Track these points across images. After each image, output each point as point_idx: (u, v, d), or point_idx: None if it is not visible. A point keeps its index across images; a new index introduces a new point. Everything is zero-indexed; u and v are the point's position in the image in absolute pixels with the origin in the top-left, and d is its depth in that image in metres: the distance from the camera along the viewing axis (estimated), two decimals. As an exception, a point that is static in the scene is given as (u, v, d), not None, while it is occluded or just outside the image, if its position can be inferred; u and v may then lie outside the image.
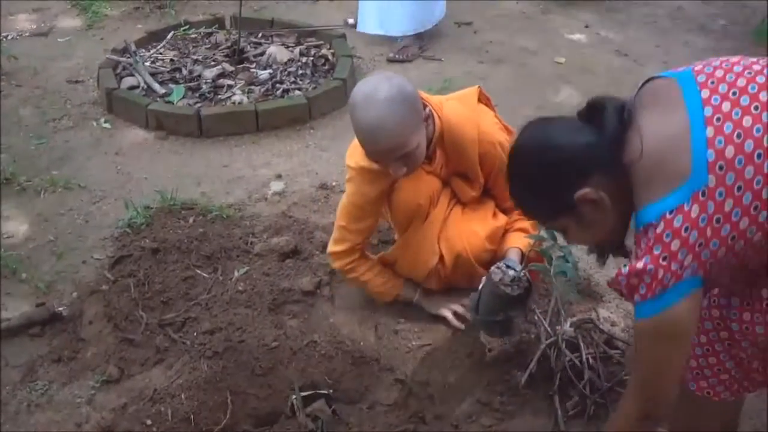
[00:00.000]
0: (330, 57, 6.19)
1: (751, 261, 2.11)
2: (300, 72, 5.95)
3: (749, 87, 2.03)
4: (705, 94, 2.04)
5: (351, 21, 6.75)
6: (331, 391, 3.46)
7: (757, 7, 7.24)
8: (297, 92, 5.66)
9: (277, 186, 4.71)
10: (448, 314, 3.44)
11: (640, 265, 2.02)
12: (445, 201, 3.37)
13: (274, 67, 5.95)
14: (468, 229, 3.37)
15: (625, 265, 2.07)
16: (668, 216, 1.97)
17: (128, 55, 5.94)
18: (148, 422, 3.21)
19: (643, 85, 2.21)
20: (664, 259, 1.98)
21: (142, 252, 3.91)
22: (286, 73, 5.91)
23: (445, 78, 5.97)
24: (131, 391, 3.35)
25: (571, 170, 2.11)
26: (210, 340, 3.44)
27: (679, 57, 6.34)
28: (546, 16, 7.41)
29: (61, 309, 3.72)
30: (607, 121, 2.11)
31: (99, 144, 5.17)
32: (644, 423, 2.31)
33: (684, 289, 2.03)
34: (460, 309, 3.44)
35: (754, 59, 2.13)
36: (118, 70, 5.83)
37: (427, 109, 3.07)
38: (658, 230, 1.98)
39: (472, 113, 3.24)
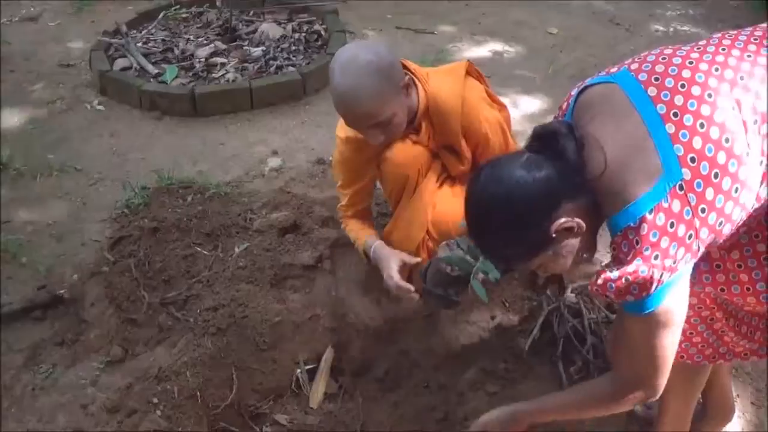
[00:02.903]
0: (323, 32, 6.18)
1: (731, 236, 2.13)
2: (293, 48, 5.94)
3: (696, 77, 2.03)
4: (652, 92, 2.03)
5: None
6: (336, 364, 3.48)
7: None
8: (290, 68, 5.65)
9: (274, 162, 4.70)
10: (391, 285, 3.26)
11: (631, 269, 1.98)
12: (435, 174, 3.35)
13: (267, 44, 5.93)
14: (458, 204, 3.36)
15: (612, 270, 2.02)
16: (648, 216, 1.95)
17: (120, 37, 5.91)
18: (155, 401, 3.20)
19: (579, 94, 2.19)
20: (656, 258, 1.96)
21: (141, 232, 3.90)
22: (279, 49, 5.89)
23: (439, 49, 5.96)
24: (136, 370, 3.34)
25: (540, 208, 2.06)
26: (213, 317, 3.45)
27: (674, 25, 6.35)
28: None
29: (62, 292, 3.70)
30: (565, 146, 2.07)
31: (93, 126, 5.15)
32: (637, 401, 2.33)
33: (678, 278, 2.04)
34: (404, 284, 3.25)
35: (688, 47, 2.14)
36: (110, 52, 5.81)
37: (407, 78, 3.05)
38: (642, 231, 1.96)
39: (457, 86, 3.21)
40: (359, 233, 3.45)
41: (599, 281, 2.04)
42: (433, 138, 3.27)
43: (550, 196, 2.04)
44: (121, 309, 3.57)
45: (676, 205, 1.93)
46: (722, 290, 2.25)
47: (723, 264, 2.23)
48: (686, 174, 1.93)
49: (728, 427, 2.97)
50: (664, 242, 1.94)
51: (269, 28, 6.09)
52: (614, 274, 2.00)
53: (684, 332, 2.37)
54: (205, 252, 3.80)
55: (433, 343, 3.46)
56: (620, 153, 2.00)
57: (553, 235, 2.06)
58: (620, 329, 2.28)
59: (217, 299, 3.53)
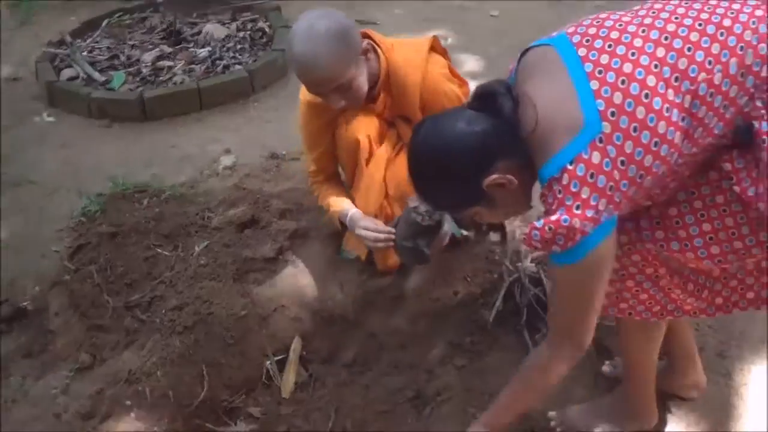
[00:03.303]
0: (267, 29, 6.20)
1: (654, 192, 2.20)
2: (239, 47, 5.95)
3: (623, 37, 2.11)
4: (582, 52, 2.11)
5: None
6: (304, 353, 3.50)
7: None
8: (237, 67, 5.67)
9: (227, 160, 4.71)
10: (367, 234, 3.35)
11: (554, 218, 2.06)
12: (390, 143, 3.41)
13: (213, 44, 5.94)
14: None
15: (539, 220, 2.10)
16: (569, 167, 2.03)
17: (65, 47, 5.90)
18: (128, 403, 3.22)
19: (521, 57, 2.28)
20: (578, 207, 2.03)
21: (100, 238, 3.89)
22: (224, 49, 5.90)
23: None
24: (106, 375, 3.35)
25: (476, 160, 2.17)
26: (179, 316, 3.46)
27: (615, 2, 6.40)
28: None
29: (25, 304, 3.72)
30: (502, 104, 2.17)
31: (45, 138, 5.14)
32: (577, 357, 2.39)
33: (603, 232, 2.10)
34: (382, 227, 3.33)
35: (623, 12, 2.21)
36: (56, 63, 5.79)
37: (365, 43, 3.10)
38: (564, 182, 2.04)
39: (420, 59, 3.27)
40: (333, 201, 3.50)
41: (526, 230, 2.13)
42: (389, 108, 3.33)
43: (486, 152, 2.16)
44: (86, 316, 3.58)
45: (596, 157, 2.01)
46: (662, 246, 2.31)
47: (662, 221, 2.30)
48: (606, 127, 2.01)
49: (697, 379, 3.04)
50: (585, 192, 2.02)
51: (213, 29, 6.10)
52: (539, 223, 2.09)
53: (630, 289, 2.47)
54: (166, 253, 3.81)
55: (398, 323, 3.51)
56: (549, 110, 2.08)
57: (486, 190, 2.16)
58: (551, 285, 2.37)
59: (181, 298, 3.54)
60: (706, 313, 2.52)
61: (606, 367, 3.17)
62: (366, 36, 3.22)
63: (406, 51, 3.28)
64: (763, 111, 2.04)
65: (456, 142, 2.17)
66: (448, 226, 3.26)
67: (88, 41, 6.09)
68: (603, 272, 2.21)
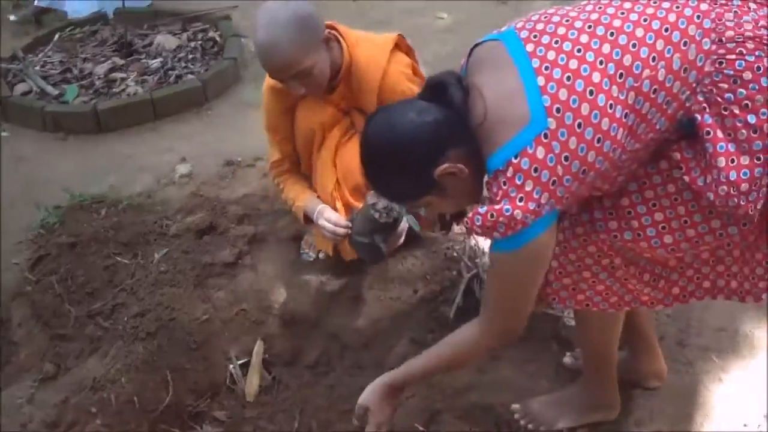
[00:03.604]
0: (218, 39, 6.22)
1: (600, 187, 2.26)
2: (190, 57, 5.97)
3: (569, 33, 2.16)
4: (530, 47, 2.16)
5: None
6: (267, 356, 3.55)
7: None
8: (190, 76, 5.69)
9: (183, 169, 4.73)
10: (327, 225, 3.41)
11: (498, 206, 2.10)
12: (342, 129, 3.47)
13: (164, 55, 5.96)
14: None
15: (482, 206, 2.15)
16: (514, 160, 2.07)
17: (17, 62, 5.90)
18: (93, 410, 3.25)
19: (471, 52, 2.33)
20: (521, 200, 2.08)
21: (59, 249, 3.92)
22: (176, 59, 5.92)
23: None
24: (71, 384, 3.38)
25: (427, 149, 2.19)
26: (141, 323, 3.49)
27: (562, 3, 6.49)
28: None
29: (-12, 316, 3.73)
30: (453, 94, 2.20)
31: (1, 153, 5.14)
32: (503, 339, 2.49)
33: (543, 225, 2.15)
34: (342, 221, 3.40)
35: (570, 7, 2.26)
36: (9, 78, 5.80)
37: (326, 32, 3.16)
38: (509, 174, 2.09)
39: (381, 57, 3.32)
40: (298, 195, 3.56)
41: (469, 214, 2.18)
42: (346, 100, 3.40)
43: (436, 141, 2.19)
44: (48, 326, 3.60)
45: (540, 152, 2.06)
46: (616, 237, 2.34)
47: (615, 211, 2.34)
48: (551, 123, 2.06)
49: (658, 367, 3.10)
50: (528, 185, 2.07)
51: (165, 40, 6.12)
52: (482, 209, 2.13)
53: (586, 280, 2.49)
54: (126, 261, 3.84)
55: (359, 323, 3.54)
56: (497, 103, 2.13)
57: (437, 179, 2.20)
58: (489, 271, 2.44)
59: (142, 305, 3.58)
60: (663, 303, 2.56)
61: (567, 359, 3.22)
62: (331, 28, 3.28)
63: (369, 47, 3.34)
64: (704, 104, 2.10)
65: (407, 131, 2.20)
66: (405, 223, 3.32)
67: (40, 56, 6.09)
68: (540, 263, 2.28)
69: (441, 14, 6.62)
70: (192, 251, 3.87)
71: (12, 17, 6.78)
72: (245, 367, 3.54)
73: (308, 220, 3.54)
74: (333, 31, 3.27)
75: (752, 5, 2.19)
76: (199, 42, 6.19)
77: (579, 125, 2.06)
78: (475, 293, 3.44)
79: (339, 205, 3.47)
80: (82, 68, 5.84)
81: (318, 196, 3.54)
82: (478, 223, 2.15)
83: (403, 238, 3.39)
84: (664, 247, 2.31)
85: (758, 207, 2.15)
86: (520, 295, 2.34)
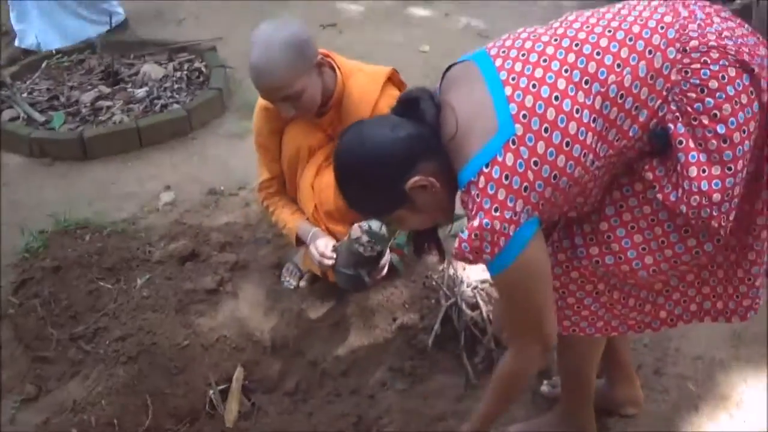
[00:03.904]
0: (203, 69, 6.29)
1: (578, 200, 2.31)
2: (176, 86, 6.04)
3: (535, 46, 2.23)
4: (498, 62, 2.23)
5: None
6: (247, 382, 3.59)
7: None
8: (175, 106, 5.75)
9: (167, 197, 4.79)
10: (314, 253, 3.49)
11: (476, 223, 2.13)
12: (325, 153, 3.52)
13: (150, 84, 6.02)
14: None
15: (463, 231, 2.18)
16: (485, 170, 2.11)
17: (5, 89, 5.95)
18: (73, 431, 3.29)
19: (445, 73, 2.39)
20: (496, 210, 2.10)
21: (43, 273, 3.96)
22: (162, 89, 5.98)
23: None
24: (52, 405, 3.41)
25: (398, 163, 2.23)
26: (123, 346, 3.53)
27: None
28: (407, 10, 7.61)
29: (-31, 339, 3.76)
30: (425, 109, 2.27)
31: (-15, 178, 5.19)
32: (543, 359, 2.46)
33: (526, 233, 2.17)
34: (328, 252, 3.46)
35: (539, 26, 2.33)
36: (-4, 104, 5.85)
37: (319, 57, 3.23)
38: (480, 185, 2.12)
39: (373, 91, 3.39)
40: (290, 217, 3.64)
41: (455, 244, 2.20)
42: (334, 126, 3.46)
43: (408, 155, 2.23)
44: (30, 348, 3.63)
45: (509, 159, 2.09)
46: (597, 262, 2.38)
47: (595, 236, 2.38)
48: (518, 129, 2.10)
49: (635, 395, 3.14)
50: (501, 194, 2.10)
51: (151, 69, 6.18)
52: (464, 234, 2.16)
53: (571, 306, 2.53)
54: (109, 286, 3.89)
55: (339, 350, 3.59)
56: (467, 116, 2.18)
57: (408, 192, 2.24)
58: (498, 297, 2.47)
59: (124, 329, 3.62)
60: (650, 327, 2.59)
61: (544, 387, 3.25)
62: (327, 56, 3.35)
63: (362, 79, 3.42)
64: (677, 114, 2.14)
65: (378, 145, 2.24)
66: (388, 257, 3.38)
67: (27, 83, 6.15)
68: (539, 272, 2.28)
69: (423, 47, 6.71)
70: (174, 277, 3.92)
71: None
72: (225, 393, 3.56)
73: (300, 241, 3.61)
74: (328, 58, 3.34)
75: (716, 18, 2.24)
76: (185, 72, 6.26)
77: (546, 129, 2.11)
78: (453, 322, 3.50)
79: (321, 226, 3.56)
80: (69, 96, 5.89)
81: (307, 219, 3.62)
82: (466, 250, 2.18)
83: (386, 270, 3.45)
84: (645, 268, 2.34)
85: (730, 218, 2.21)
86: (533, 308, 2.32)
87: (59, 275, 3.94)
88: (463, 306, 3.50)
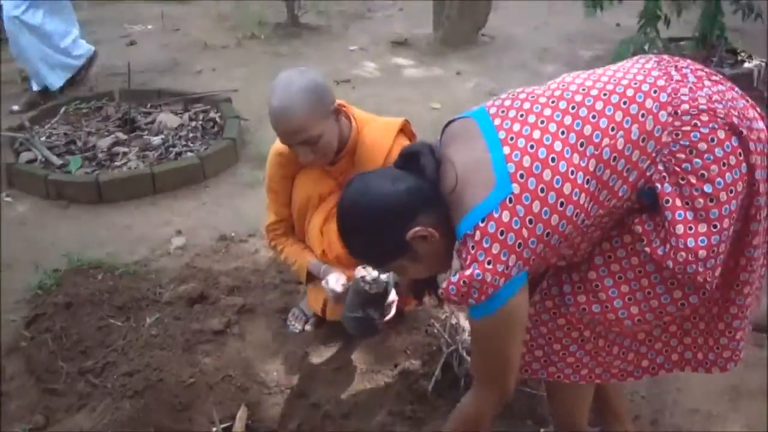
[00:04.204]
0: (218, 119, 6.44)
1: (565, 254, 2.41)
2: (191, 135, 6.18)
3: (533, 107, 2.34)
4: (497, 121, 2.34)
5: (15, 108, 7.00)
6: (250, 421, 3.64)
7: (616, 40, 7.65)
8: (189, 154, 5.88)
9: (178, 241, 4.91)
10: (326, 286, 3.56)
11: (468, 272, 2.21)
12: (334, 200, 3.55)
13: (166, 132, 6.16)
14: None
15: (454, 275, 2.26)
16: (481, 224, 2.20)
17: (24, 132, 6.10)
18: (79, 462, 3.35)
19: (445, 128, 2.51)
20: (489, 263, 2.19)
21: (55, 308, 4.05)
22: (177, 137, 6.12)
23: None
24: (59, 435, 3.48)
25: (399, 214, 2.33)
26: (130, 381, 3.59)
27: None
28: (419, 68, 7.81)
29: (-19, 370, 3.84)
30: (425, 163, 2.38)
31: (3, 217, 5.29)
32: (498, 406, 2.57)
33: (514, 286, 2.26)
34: (339, 287, 3.53)
35: (537, 87, 2.45)
36: (15, 146, 5.98)
37: (336, 104, 3.32)
38: (476, 238, 2.21)
39: (386, 141, 3.48)
40: (300, 253, 3.73)
41: (444, 285, 2.29)
42: (346, 174, 3.53)
43: (408, 206, 2.33)
44: (40, 380, 3.70)
45: (505, 216, 2.19)
46: (584, 310, 2.46)
47: (583, 285, 2.46)
48: (515, 188, 2.20)
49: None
50: (495, 248, 2.19)
51: (167, 118, 6.33)
52: (455, 277, 2.25)
53: (557, 353, 2.61)
54: (119, 323, 3.97)
55: (341, 393, 3.64)
56: (467, 171, 2.28)
57: (409, 242, 2.34)
58: (471, 338, 2.56)
59: (132, 365, 3.69)
60: (632, 375, 2.66)
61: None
62: (343, 107, 3.44)
63: (376, 129, 3.51)
64: (664, 174, 2.24)
65: (381, 197, 2.34)
66: (394, 294, 3.45)
67: (46, 127, 6.30)
68: (516, 324, 2.36)
69: (434, 104, 6.85)
70: (183, 318, 4.01)
71: (15, 107, 6.98)
72: (228, 431, 3.63)
73: (310, 277, 3.70)
74: (344, 110, 3.44)
75: (707, 82, 2.35)
76: (200, 122, 6.42)
77: (542, 190, 2.20)
78: (453, 368, 3.56)
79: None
80: (86, 141, 6.03)
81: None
82: (453, 292, 2.26)
83: (394, 310, 3.50)
84: (630, 318, 2.42)
85: (716, 274, 2.30)
86: (502, 357, 2.40)
87: (71, 311, 4.03)
88: (464, 353, 3.56)
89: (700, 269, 2.26)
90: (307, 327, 3.94)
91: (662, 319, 2.46)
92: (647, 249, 2.32)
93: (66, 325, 3.95)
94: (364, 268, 3.33)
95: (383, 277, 3.29)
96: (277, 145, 3.59)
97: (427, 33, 8.91)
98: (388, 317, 3.45)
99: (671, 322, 2.54)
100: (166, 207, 5.41)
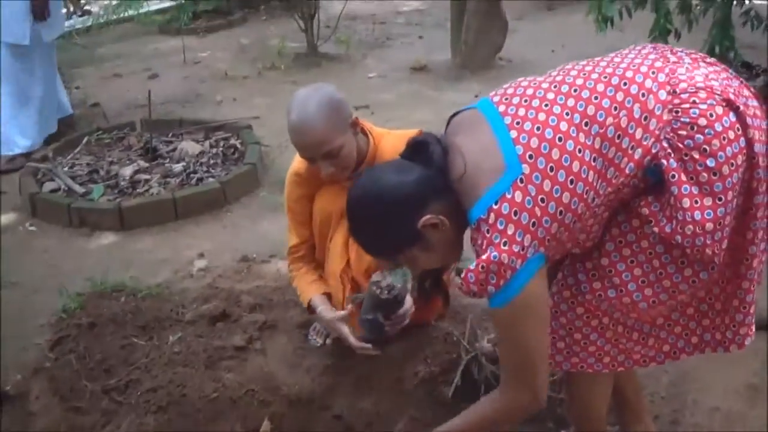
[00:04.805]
0: (239, 146, 6.50)
1: (580, 237, 2.43)
2: (212, 162, 6.24)
3: (536, 92, 2.39)
4: (502, 108, 2.38)
5: None
6: (274, 435, 3.67)
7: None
8: (210, 179, 5.94)
9: (200, 263, 4.95)
10: (353, 342, 3.55)
11: (485, 256, 2.23)
12: None
13: (187, 160, 6.22)
14: None
15: (472, 263, 2.28)
16: (495, 206, 2.23)
17: (47, 163, 6.17)
18: (104, 478, 3.37)
19: (449, 121, 2.55)
20: (505, 244, 2.22)
21: (79, 329, 4.09)
22: (198, 164, 6.18)
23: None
24: (84, 453, 3.51)
25: (410, 203, 2.36)
26: (153, 398, 3.63)
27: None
28: (438, 92, 7.88)
29: (7, 388, 3.86)
30: (433, 151, 2.40)
31: (27, 245, 5.36)
32: (527, 410, 2.56)
33: (531, 268, 2.28)
34: (359, 344, 3.54)
35: (538, 76, 2.50)
36: (39, 177, 6.06)
37: (354, 117, 3.36)
38: (491, 221, 2.24)
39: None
40: (306, 287, 3.75)
41: (462, 275, 2.31)
42: None
43: (419, 195, 2.36)
44: (65, 399, 3.72)
45: (518, 196, 2.23)
46: (600, 296, 2.48)
47: (597, 272, 2.49)
48: (525, 169, 2.24)
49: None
50: (510, 229, 2.22)
51: (188, 146, 6.40)
52: (473, 265, 2.27)
53: (578, 342, 2.62)
54: (142, 342, 3.99)
55: (363, 404, 3.67)
56: (475, 157, 2.32)
57: (420, 230, 2.36)
58: (497, 338, 2.56)
59: (155, 382, 3.71)
60: (655, 360, 2.68)
61: None
62: (359, 123, 3.47)
63: (394, 141, 3.52)
64: (669, 150, 2.28)
65: (392, 186, 2.38)
66: (408, 305, 3.48)
67: (68, 158, 6.38)
68: (537, 309, 2.37)
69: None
70: (205, 336, 4.03)
71: None
72: (251, 444, 3.65)
73: (312, 311, 3.73)
74: (361, 125, 3.48)
75: (702, 63, 2.43)
76: (221, 149, 6.48)
77: (551, 168, 2.24)
78: (473, 375, 3.57)
79: (348, 287, 3.65)
80: (109, 170, 6.10)
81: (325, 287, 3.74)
82: (472, 280, 2.28)
83: (407, 319, 3.49)
84: (645, 299, 2.45)
85: (722, 247, 2.34)
86: (526, 348, 2.40)
87: (94, 332, 4.06)
88: (483, 360, 3.58)
89: (708, 241, 2.29)
90: (328, 341, 3.95)
91: (676, 299, 2.47)
92: (655, 229, 2.34)
93: (89, 345, 3.98)
94: (381, 272, 3.35)
95: (398, 284, 3.31)
96: (295, 166, 3.64)
97: (445, 59, 8.98)
98: (400, 325, 3.47)
99: (688, 304, 2.56)
100: (188, 231, 5.46)
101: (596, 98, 2.33)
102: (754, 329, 2.59)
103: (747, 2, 6.24)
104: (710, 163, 2.26)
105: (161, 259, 5.08)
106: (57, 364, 3.93)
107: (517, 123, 2.32)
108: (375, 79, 8.62)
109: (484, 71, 8.43)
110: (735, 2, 6.02)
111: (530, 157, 2.26)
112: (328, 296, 3.71)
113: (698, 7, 6.04)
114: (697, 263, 2.38)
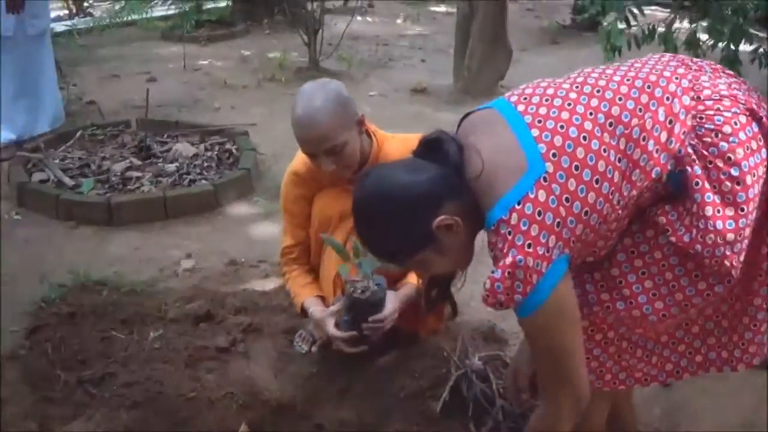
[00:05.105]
0: (234, 151, 6.41)
1: (599, 244, 2.33)
2: (206, 165, 6.15)
3: (558, 92, 2.30)
4: (521, 108, 2.28)
5: None
6: (251, 442, 3.56)
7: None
8: (203, 182, 5.85)
9: (187, 264, 4.85)
10: (332, 331, 3.49)
11: (509, 260, 2.13)
12: None
13: (181, 160, 6.13)
14: None
15: (493, 272, 2.18)
16: (517, 207, 2.13)
17: (39, 153, 6.09)
18: (73, 472, 3.25)
19: (461, 121, 2.45)
20: (529, 246, 2.11)
21: (58, 319, 4.00)
22: (192, 165, 6.09)
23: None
24: (53, 445, 3.39)
25: (424, 202, 2.23)
26: (129, 392, 3.51)
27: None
28: (437, 113, 7.81)
29: (-22, 376, 3.76)
30: (448, 149, 2.28)
31: (9, 234, 5.24)
32: (577, 410, 2.43)
33: (558, 271, 2.18)
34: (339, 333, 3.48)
35: (557, 78, 2.42)
36: (29, 167, 5.96)
37: (360, 114, 3.28)
38: (513, 222, 2.13)
39: (407, 153, 3.43)
40: (299, 289, 3.68)
41: (487, 285, 2.18)
42: None
43: (432, 195, 2.24)
44: (36, 388, 3.61)
45: (541, 195, 2.13)
46: (608, 308, 2.39)
47: (606, 283, 2.40)
48: (549, 167, 2.14)
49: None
50: (534, 230, 2.12)
51: (183, 147, 6.31)
52: (497, 273, 2.15)
53: None
54: (121, 336, 3.89)
55: (346, 415, 3.55)
56: (493, 156, 2.20)
57: (434, 232, 2.24)
58: (530, 351, 2.46)
59: (132, 377, 3.60)
60: (657, 379, 2.60)
61: None
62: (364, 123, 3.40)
63: (398, 144, 3.46)
64: (694, 156, 2.21)
65: (406, 185, 2.25)
66: (388, 311, 3.38)
67: (60, 150, 6.30)
68: (570, 312, 2.27)
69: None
70: (187, 334, 3.92)
71: None
72: (227, 449, 3.54)
73: (305, 313, 3.64)
74: (366, 126, 3.41)
75: (722, 74, 2.38)
76: (216, 152, 6.39)
77: (576, 167, 2.16)
78: (462, 392, 3.46)
79: (340, 292, 3.56)
80: (101, 165, 6.01)
81: (319, 290, 3.66)
82: (499, 290, 2.17)
83: (388, 326, 3.42)
84: (655, 312, 2.35)
85: (741, 259, 2.25)
86: (565, 352, 2.31)
87: (73, 321, 3.96)
88: (474, 377, 3.48)
89: (728, 252, 2.21)
90: (314, 348, 3.84)
91: (687, 312, 2.38)
92: (672, 238, 2.26)
93: (66, 335, 3.88)
94: (359, 276, 3.31)
95: (374, 287, 3.28)
96: (294, 165, 3.57)
97: (446, 83, 8.92)
98: (380, 330, 3.42)
99: (693, 322, 2.48)
100: (177, 231, 5.36)
101: (620, 99, 2.26)
102: (766, 349, 2.50)
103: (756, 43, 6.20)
104: (734, 172, 2.20)
105: (147, 256, 4.97)
106: (31, 352, 3.82)
107: (539, 121, 2.23)
108: (376, 97, 8.55)
109: (486, 97, 8.17)
110: (744, 40, 5.96)
111: (554, 155, 2.17)
112: (322, 299, 3.63)
113: (706, 43, 5.99)
114: (712, 276, 2.29)
